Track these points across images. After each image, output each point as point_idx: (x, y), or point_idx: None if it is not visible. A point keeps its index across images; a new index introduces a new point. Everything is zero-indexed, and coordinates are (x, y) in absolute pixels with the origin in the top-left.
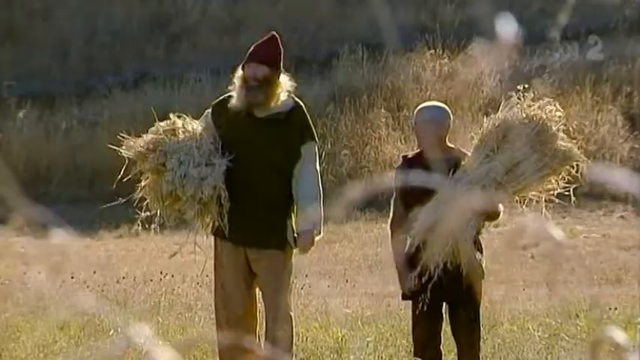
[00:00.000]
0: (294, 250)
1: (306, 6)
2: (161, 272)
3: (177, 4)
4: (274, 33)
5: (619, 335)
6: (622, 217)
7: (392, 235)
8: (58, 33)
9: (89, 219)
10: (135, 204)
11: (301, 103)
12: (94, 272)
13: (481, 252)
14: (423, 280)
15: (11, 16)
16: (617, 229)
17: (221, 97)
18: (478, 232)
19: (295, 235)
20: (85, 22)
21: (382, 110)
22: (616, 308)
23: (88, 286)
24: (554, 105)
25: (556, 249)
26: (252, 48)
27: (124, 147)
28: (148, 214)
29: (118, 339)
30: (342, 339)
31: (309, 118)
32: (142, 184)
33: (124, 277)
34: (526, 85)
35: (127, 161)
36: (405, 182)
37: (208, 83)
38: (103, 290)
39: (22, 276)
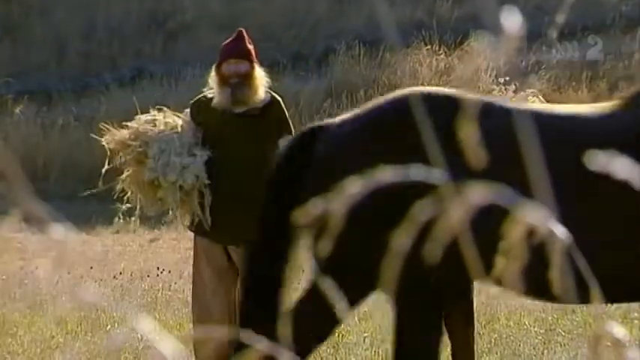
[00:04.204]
0: None
1: (303, 2)
2: (158, 268)
3: (174, 1)
4: (242, 29)
5: (618, 330)
6: None
7: None
8: (56, 30)
9: (86, 215)
10: (115, 197)
11: (278, 98)
12: (91, 268)
13: None
14: None
15: (9, 12)
16: None
17: (198, 97)
18: None
19: None
20: (82, 19)
21: None
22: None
23: (85, 282)
24: (537, 97)
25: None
26: (225, 46)
27: (105, 138)
28: (129, 206)
29: (119, 331)
30: (338, 334)
31: (286, 112)
32: (123, 176)
33: (120, 273)
34: (507, 78)
35: (108, 153)
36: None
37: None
38: (100, 285)
39: (20, 271)
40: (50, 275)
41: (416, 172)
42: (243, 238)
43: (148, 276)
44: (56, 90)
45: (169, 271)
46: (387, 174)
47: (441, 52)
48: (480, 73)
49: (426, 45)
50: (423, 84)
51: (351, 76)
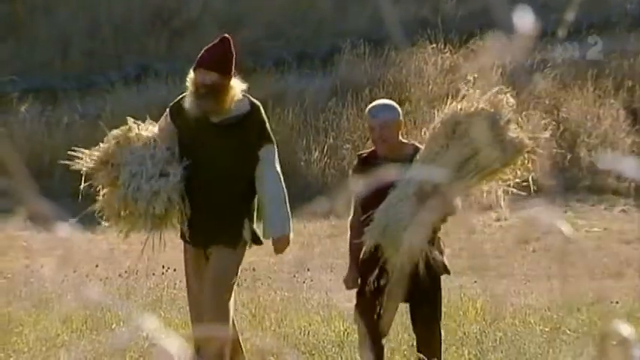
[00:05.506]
0: (248, 249)
1: (308, 0)
2: (163, 266)
3: None
4: (226, 35)
5: (625, 329)
6: (623, 210)
7: (350, 234)
8: (60, 28)
9: (91, 213)
10: (97, 213)
11: (258, 104)
12: (97, 266)
13: (439, 250)
14: (382, 282)
15: (13, 11)
16: (618, 223)
17: (178, 98)
18: (435, 231)
19: (255, 233)
20: (86, 18)
21: None
22: (617, 302)
23: (90, 280)
24: (506, 94)
25: (564, 243)
26: (202, 52)
27: (77, 161)
28: (107, 225)
29: (125, 330)
30: (344, 333)
31: (265, 119)
32: (100, 196)
33: (126, 271)
34: (475, 76)
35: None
36: (361, 185)
37: None
38: (105, 284)
39: (25, 270)
40: (56, 273)
41: (418, 171)
42: (217, 238)
43: (154, 274)
44: (61, 88)
45: (174, 270)
46: (391, 173)
47: (446, 50)
48: (486, 72)
49: (431, 43)
50: (428, 82)
51: (356, 75)
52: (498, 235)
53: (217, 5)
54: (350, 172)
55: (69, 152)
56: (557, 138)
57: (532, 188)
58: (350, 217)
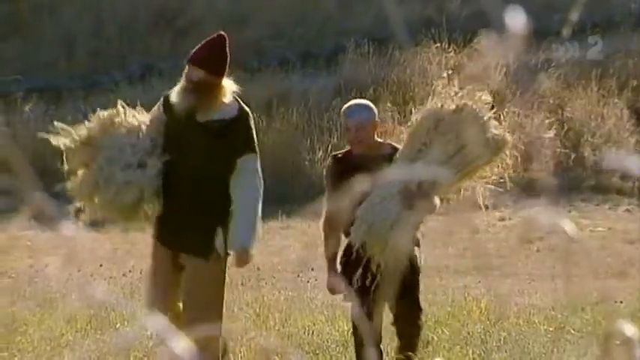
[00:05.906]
0: (229, 260)
1: (312, 0)
2: None
3: None
4: (222, 33)
5: (629, 329)
6: (628, 210)
7: (324, 235)
8: (64, 27)
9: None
10: (68, 192)
11: (247, 111)
12: (101, 265)
13: (419, 247)
14: (367, 282)
15: (17, 10)
16: (622, 223)
17: (172, 90)
18: (416, 229)
19: (225, 243)
20: (91, 17)
21: (388, 104)
22: (621, 301)
23: (95, 279)
24: (483, 91)
25: (568, 243)
26: (196, 48)
27: (59, 139)
28: (78, 206)
29: (129, 329)
30: (348, 332)
31: (253, 127)
32: (76, 178)
33: (130, 271)
34: (451, 72)
35: (63, 153)
36: (339, 184)
37: None
38: (109, 283)
39: (30, 269)
40: (60, 273)
41: (423, 171)
42: (190, 247)
43: None
44: (65, 88)
45: None
46: (395, 172)
47: (450, 50)
48: (490, 71)
49: (435, 43)
50: (432, 82)
51: (360, 74)
52: (502, 235)
53: (221, 5)
54: (325, 172)
55: (51, 127)
56: (561, 137)
57: (509, 184)
58: (322, 220)
